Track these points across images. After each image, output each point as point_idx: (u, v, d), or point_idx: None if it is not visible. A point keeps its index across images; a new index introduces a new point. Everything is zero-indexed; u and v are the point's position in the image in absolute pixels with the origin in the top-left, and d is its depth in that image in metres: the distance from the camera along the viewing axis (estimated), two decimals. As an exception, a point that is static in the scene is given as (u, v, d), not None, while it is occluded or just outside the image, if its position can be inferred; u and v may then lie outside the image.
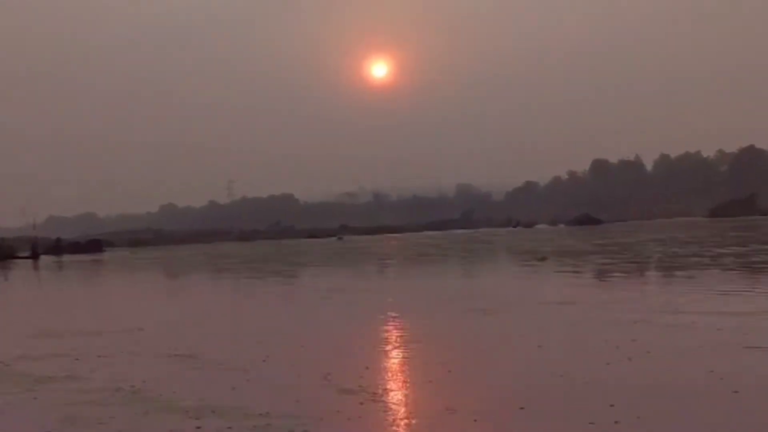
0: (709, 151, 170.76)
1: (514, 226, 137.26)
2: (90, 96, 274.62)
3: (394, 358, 10.62)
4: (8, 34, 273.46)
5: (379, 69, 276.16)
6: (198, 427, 6.87)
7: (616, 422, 6.45)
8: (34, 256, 78.95)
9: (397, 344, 11.72)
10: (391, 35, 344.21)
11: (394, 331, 13.21)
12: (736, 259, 27.99)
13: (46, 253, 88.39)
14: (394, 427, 6.73)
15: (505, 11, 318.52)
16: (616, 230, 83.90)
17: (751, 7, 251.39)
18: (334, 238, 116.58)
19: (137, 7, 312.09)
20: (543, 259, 25.72)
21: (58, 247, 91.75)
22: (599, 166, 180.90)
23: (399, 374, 9.56)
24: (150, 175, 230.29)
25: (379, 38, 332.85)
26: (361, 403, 7.52)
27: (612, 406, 6.98)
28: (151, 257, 66.21)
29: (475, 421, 6.79)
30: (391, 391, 8.36)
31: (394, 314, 15.33)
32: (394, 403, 7.65)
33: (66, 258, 77.57)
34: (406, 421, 6.91)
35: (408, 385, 8.79)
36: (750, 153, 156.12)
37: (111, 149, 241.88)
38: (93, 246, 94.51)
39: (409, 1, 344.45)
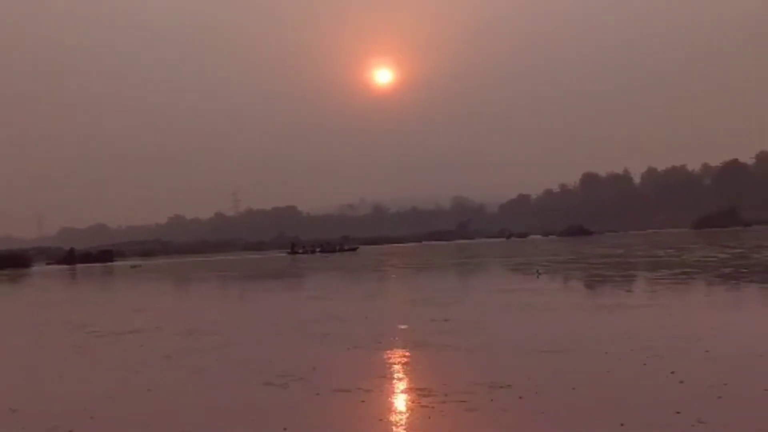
0: (694, 165, 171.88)
1: (507, 237, 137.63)
2: (98, 109, 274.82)
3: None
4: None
5: (380, 84, 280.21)
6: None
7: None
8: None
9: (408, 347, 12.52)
10: (392, 55, 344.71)
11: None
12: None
13: (59, 263, 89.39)
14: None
15: (498, 36, 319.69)
16: (606, 240, 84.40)
17: (736, 30, 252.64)
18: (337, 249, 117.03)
19: (150, 22, 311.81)
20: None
21: (71, 257, 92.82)
22: (589, 179, 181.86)
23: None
24: (158, 187, 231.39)
25: (379, 59, 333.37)
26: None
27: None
28: (156, 268, 66.71)
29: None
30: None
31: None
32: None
33: (79, 267, 78.23)
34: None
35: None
36: (733, 167, 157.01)
37: (120, 161, 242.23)
38: (104, 256, 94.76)
39: (404, 28, 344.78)
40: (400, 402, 7.36)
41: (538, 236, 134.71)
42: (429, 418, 6.50)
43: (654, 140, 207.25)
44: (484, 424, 6.32)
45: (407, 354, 10.15)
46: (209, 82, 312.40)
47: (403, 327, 13.35)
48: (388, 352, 10.33)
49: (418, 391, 7.57)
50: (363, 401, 7.35)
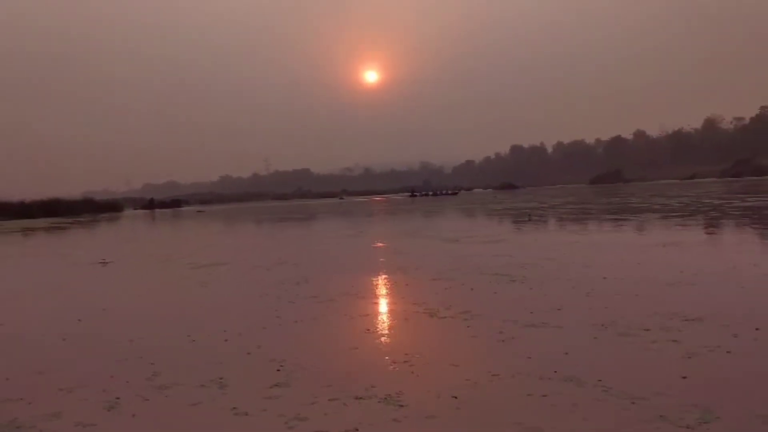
0: (590, 139, 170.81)
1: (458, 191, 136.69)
2: (170, 97, 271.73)
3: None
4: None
5: (371, 76, 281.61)
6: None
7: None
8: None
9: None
10: (380, 60, 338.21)
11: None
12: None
13: (143, 208, 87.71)
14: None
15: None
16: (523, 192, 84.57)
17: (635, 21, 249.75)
18: (337, 199, 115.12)
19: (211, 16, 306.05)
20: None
21: (151, 204, 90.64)
22: (516, 150, 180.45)
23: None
24: (213, 154, 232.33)
25: (370, 62, 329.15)
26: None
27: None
28: (215, 212, 64.52)
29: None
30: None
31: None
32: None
33: (156, 211, 76.25)
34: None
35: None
36: (617, 140, 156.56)
37: (184, 135, 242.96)
38: (174, 203, 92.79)
39: (394, 29, 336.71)
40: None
41: (480, 189, 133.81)
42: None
43: (561, 121, 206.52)
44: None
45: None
46: (249, 76, 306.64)
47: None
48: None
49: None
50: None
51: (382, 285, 8.53)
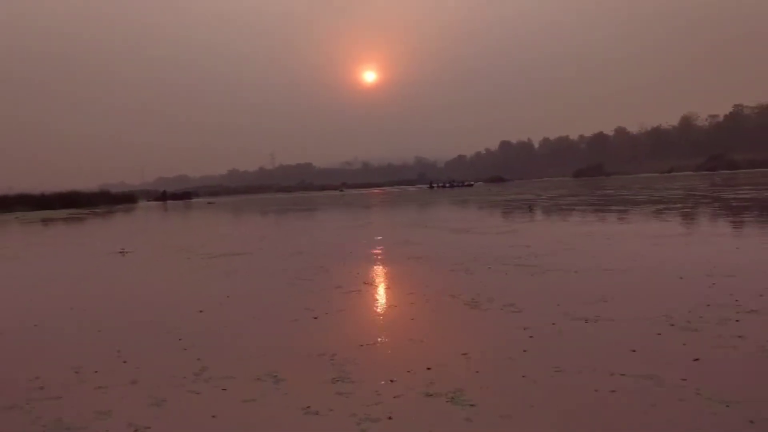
0: (574, 135, 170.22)
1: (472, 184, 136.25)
2: (186, 89, 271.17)
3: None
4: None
5: (369, 76, 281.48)
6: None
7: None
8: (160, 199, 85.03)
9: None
10: (377, 54, 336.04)
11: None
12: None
13: (156, 200, 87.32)
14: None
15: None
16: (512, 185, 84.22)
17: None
18: (338, 191, 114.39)
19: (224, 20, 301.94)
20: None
21: (163, 196, 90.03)
22: (505, 145, 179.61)
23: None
24: (222, 150, 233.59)
25: (368, 56, 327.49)
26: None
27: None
28: (224, 203, 63.88)
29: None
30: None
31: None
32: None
33: (168, 203, 75.56)
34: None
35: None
36: (599, 137, 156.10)
37: (195, 132, 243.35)
38: (185, 195, 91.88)
39: (391, 34, 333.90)
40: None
41: (480, 183, 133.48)
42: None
43: (547, 119, 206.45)
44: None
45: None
46: (257, 77, 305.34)
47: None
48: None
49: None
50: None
51: (403, 275, 8.03)
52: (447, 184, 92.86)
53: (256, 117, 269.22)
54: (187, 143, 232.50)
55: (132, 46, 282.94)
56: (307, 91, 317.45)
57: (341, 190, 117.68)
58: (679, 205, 19.84)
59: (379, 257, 10.08)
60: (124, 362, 4.44)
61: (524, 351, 4.23)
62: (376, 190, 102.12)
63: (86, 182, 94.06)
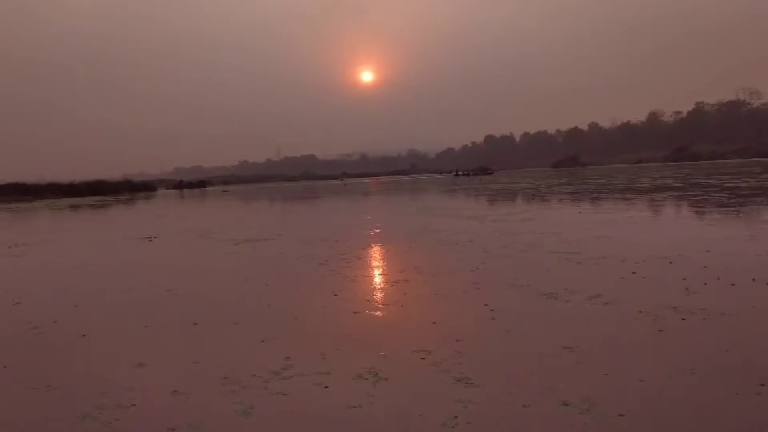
0: (551, 130, 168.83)
1: (440, 174, 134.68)
2: (201, 85, 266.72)
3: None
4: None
5: (367, 76, 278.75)
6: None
7: None
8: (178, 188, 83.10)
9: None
10: (375, 63, 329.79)
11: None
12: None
13: (173, 188, 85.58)
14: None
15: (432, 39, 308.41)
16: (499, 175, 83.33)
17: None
18: (339, 180, 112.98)
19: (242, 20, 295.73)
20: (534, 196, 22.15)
21: (180, 185, 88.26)
22: (489, 138, 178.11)
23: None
24: (233, 140, 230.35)
25: (366, 57, 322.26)
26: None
27: None
28: (237, 191, 62.68)
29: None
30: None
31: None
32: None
33: (185, 191, 74.09)
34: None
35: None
36: (575, 131, 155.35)
37: (208, 124, 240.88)
38: (200, 184, 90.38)
39: (384, 36, 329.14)
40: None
41: (491, 170, 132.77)
42: None
43: (527, 114, 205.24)
44: None
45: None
46: (260, 76, 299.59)
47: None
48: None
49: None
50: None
51: (453, 263, 7.08)
52: (470, 172, 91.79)
53: (265, 112, 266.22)
54: (202, 136, 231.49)
55: (163, 47, 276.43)
56: (311, 89, 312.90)
57: (342, 179, 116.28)
58: (690, 193, 18.37)
59: (409, 243, 9.15)
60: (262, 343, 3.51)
61: (638, 350, 3.35)
62: (372, 179, 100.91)
63: (110, 172, 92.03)
